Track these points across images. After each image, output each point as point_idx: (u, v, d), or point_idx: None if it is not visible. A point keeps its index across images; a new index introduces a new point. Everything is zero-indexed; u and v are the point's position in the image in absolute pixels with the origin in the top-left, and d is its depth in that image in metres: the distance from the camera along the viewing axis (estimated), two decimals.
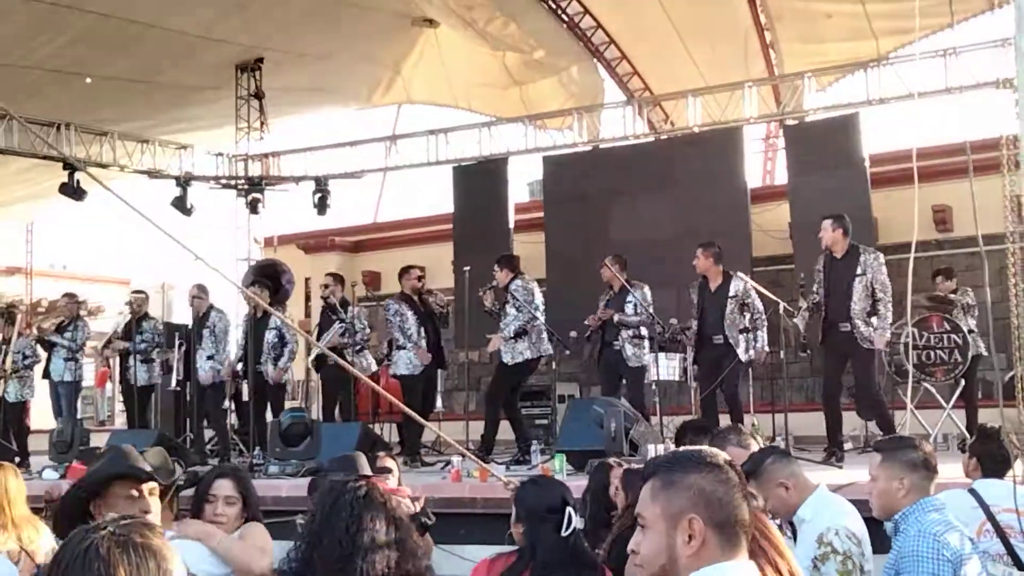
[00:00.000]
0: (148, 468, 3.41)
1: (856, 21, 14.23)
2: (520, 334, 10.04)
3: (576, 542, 3.88)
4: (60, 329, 12.87)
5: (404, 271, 11.20)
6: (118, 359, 12.99)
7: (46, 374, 12.87)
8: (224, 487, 4.33)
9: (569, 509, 3.87)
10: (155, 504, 3.36)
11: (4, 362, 12.80)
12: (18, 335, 12.97)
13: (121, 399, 13.64)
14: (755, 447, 4.76)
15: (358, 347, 11.45)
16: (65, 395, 12.68)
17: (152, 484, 3.32)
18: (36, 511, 4.85)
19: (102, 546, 2.03)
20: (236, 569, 4.12)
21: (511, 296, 10.07)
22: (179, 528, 4.14)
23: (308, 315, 16.78)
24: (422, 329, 10.74)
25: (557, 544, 3.83)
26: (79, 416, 13.15)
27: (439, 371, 11.54)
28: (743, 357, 9.51)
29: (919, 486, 3.95)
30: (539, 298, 10.33)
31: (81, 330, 12.93)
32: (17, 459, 11.21)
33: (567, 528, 3.82)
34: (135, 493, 3.26)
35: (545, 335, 10.26)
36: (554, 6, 16.72)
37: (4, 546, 4.33)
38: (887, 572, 3.85)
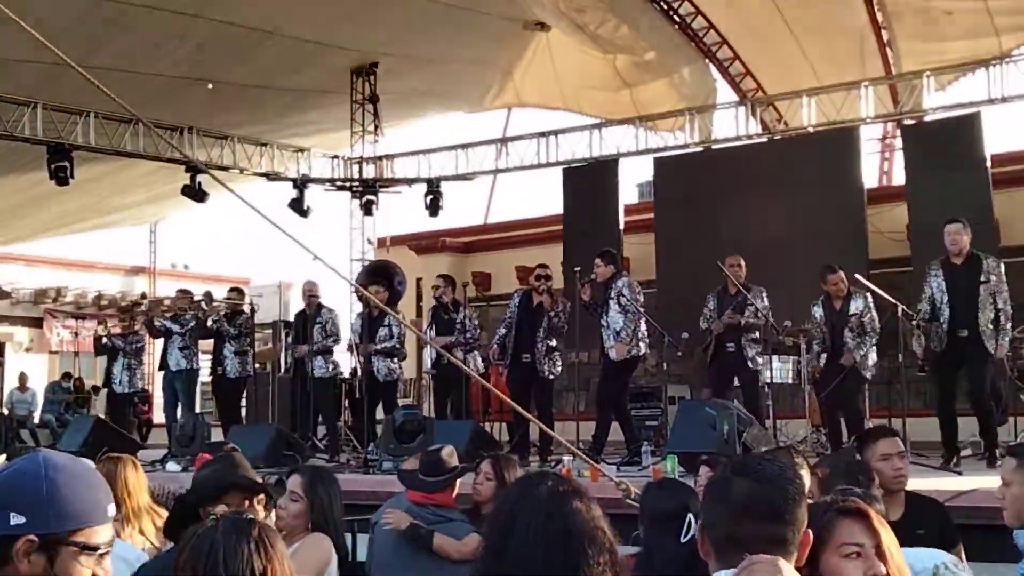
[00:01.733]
0: (259, 479, 3.49)
1: (977, 17, 13.87)
2: (622, 331, 10.00)
3: (695, 549, 3.80)
4: (175, 319, 12.95)
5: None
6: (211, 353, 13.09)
7: (163, 365, 13.03)
8: (293, 482, 4.32)
9: (689, 516, 3.70)
10: (260, 515, 3.40)
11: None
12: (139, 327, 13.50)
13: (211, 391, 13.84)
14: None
15: (468, 348, 11.54)
16: (183, 388, 12.80)
17: (261, 495, 3.39)
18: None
19: (254, 532, 2.16)
20: None
21: (617, 295, 10.02)
22: None
23: (419, 315, 17.02)
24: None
25: (675, 552, 3.74)
26: (199, 410, 13.47)
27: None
28: (866, 375, 9.51)
29: None
30: (641, 297, 10.28)
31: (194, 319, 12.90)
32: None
33: (686, 535, 3.67)
34: (245, 503, 3.32)
35: (646, 335, 10.19)
36: (666, 7, 16.67)
37: (128, 537, 4.46)
38: None
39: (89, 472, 2.09)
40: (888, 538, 2.40)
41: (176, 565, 2.23)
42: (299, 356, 11.99)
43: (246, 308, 12.75)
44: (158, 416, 15.25)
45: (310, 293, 12.13)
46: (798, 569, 2.27)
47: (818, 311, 9.78)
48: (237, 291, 13.34)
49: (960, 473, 8.14)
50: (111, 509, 2.05)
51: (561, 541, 2.38)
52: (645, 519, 3.93)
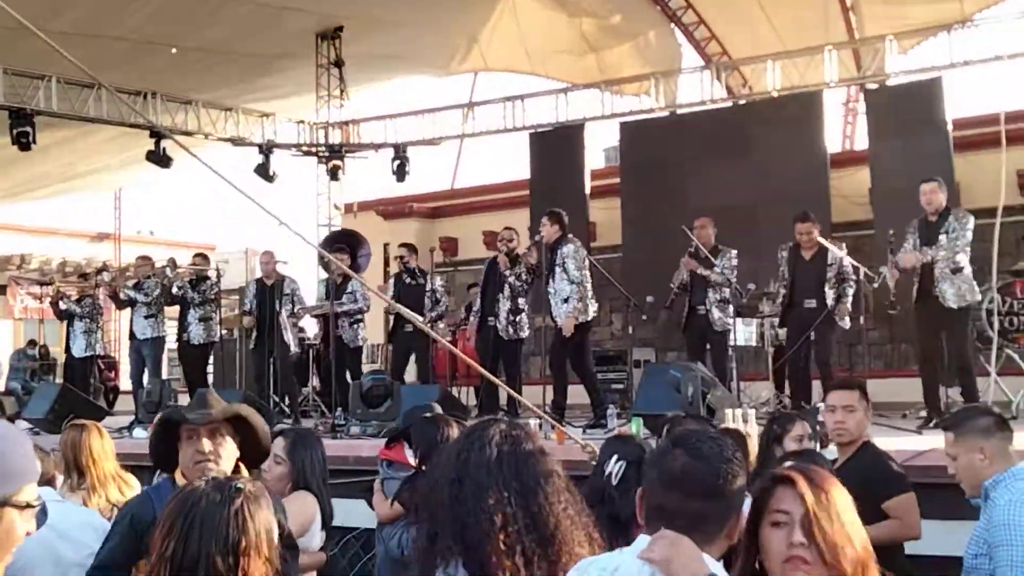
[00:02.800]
0: (195, 414, 3.46)
1: None
2: (569, 299, 9.97)
3: (609, 489, 3.86)
4: (137, 287, 12.73)
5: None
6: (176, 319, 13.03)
7: (131, 334, 12.86)
8: (276, 445, 4.36)
9: (615, 455, 3.90)
10: (225, 446, 3.38)
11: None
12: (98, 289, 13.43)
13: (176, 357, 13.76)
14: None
15: (436, 319, 11.54)
16: (149, 355, 12.69)
17: (215, 426, 3.37)
18: (128, 468, 5.00)
19: (235, 503, 2.24)
20: None
21: (562, 263, 9.92)
22: None
23: (386, 280, 17.01)
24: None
25: (597, 484, 3.87)
26: (166, 377, 13.41)
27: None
28: (843, 324, 9.49)
29: (1000, 449, 3.89)
30: (586, 264, 10.17)
31: (158, 287, 12.69)
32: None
33: (606, 474, 3.86)
34: (189, 435, 3.37)
35: (593, 297, 10.13)
36: None
37: (94, 504, 4.52)
38: (975, 542, 3.76)
39: (23, 435, 2.15)
40: (825, 506, 2.29)
41: (161, 520, 2.30)
42: (249, 326, 12.10)
43: (211, 274, 12.68)
44: (125, 383, 15.16)
45: (268, 263, 12.14)
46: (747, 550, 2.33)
47: (783, 254, 9.76)
48: (202, 256, 13.27)
49: (920, 432, 8.28)
50: (37, 466, 2.12)
51: (515, 479, 2.44)
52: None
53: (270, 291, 12.02)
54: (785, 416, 5.49)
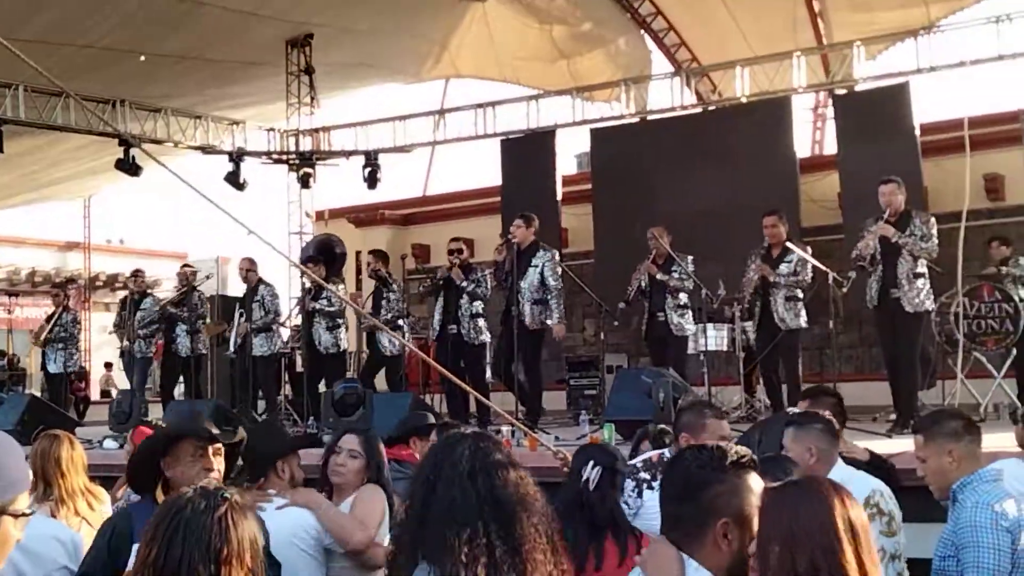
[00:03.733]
0: (215, 430, 3.60)
1: None
2: (541, 301, 10.14)
3: (586, 495, 3.87)
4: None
5: None
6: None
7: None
8: (350, 441, 4.59)
9: (591, 462, 3.92)
10: (219, 463, 3.55)
11: (40, 335, 13.10)
12: (64, 309, 13.31)
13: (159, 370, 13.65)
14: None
15: (392, 325, 11.54)
16: (139, 368, 12.75)
17: (217, 445, 3.51)
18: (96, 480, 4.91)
19: (219, 510, 2.24)
20: (335, 539, 4.26)
21: (540, 271, 10.09)
22: (291, 496, 4.29)
23: (359, 288, 16.97)
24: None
25: (572, 492, 3.89)
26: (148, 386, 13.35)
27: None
28: (794, 325, 9.49)
29: (969, 452, 3.93)
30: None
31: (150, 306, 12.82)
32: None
33: (582, 480, 3.87)
34: (200, 452, 3.45)
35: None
36: None
37: (62, 516, 4.38)
38: (943, 544, 3.79)
39: (14, 443, 2.14)
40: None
41: (147, 527, 2.30)
42: (242, 333, 12.06)
43: (202, 287, 12.78)
44: (96, 394, 15.03)
45: (247, 270, 12.11)
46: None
47: (754, 260, 9.70)
48: (188, 268, 13.25)
49: (890, 436, 8.34)
50: (30, 474, 2.14)
51: (487, 498, 2.48)
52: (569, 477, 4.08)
53: (247, 297, 12.08)
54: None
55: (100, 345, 22.56)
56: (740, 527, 2.36)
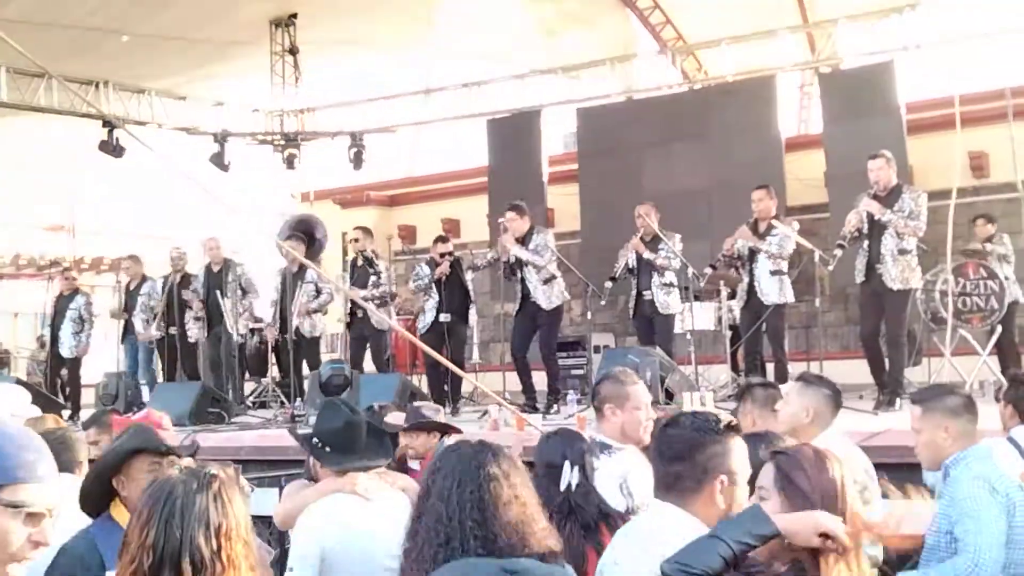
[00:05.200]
0: (166, 442, 3.46)
1: None
2: (550, 279, 10.16)
3: (574, 499, 3.72)
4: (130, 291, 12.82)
5: None
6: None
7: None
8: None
9: (566, 464, 3.75)
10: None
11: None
12: (76, 291, 13.21)
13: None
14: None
15: (381, 302, 11.54)
16: (144, 351, 12.76)
17: (172, 457, 3.35)
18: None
19: (213, 487, 2.27)
20: None
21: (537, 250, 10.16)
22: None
23: (345, 269, 16.92)
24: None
25: (558, 499, 3.68)
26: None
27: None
28: (778, 299, 9.49)
29: (965, 431, 3.96)
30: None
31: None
32: (68, 413, 11.44)
33: (563, 484, 3.71)
34: (154, 467, 3.29)
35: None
36: None
37: None
38: (942, 519, 3.81)
39: (22, 433, 2.09)
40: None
41: (137, 512, 2.31)
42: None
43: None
44: (87, 376, 14.86)
45: (213, 248, 12.11)
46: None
47: (743, 231, 9.70)
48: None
49: (876, 413, 8.39)
50: (43, 470, 2.03)
51: (472, 505, 2.55)
52: (536, 470, 3.89)
53: (216, 277, 12.00)
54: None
55: None
56: (732, 484, 2.69)
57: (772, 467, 2.57)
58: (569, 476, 3.75)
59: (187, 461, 3.17)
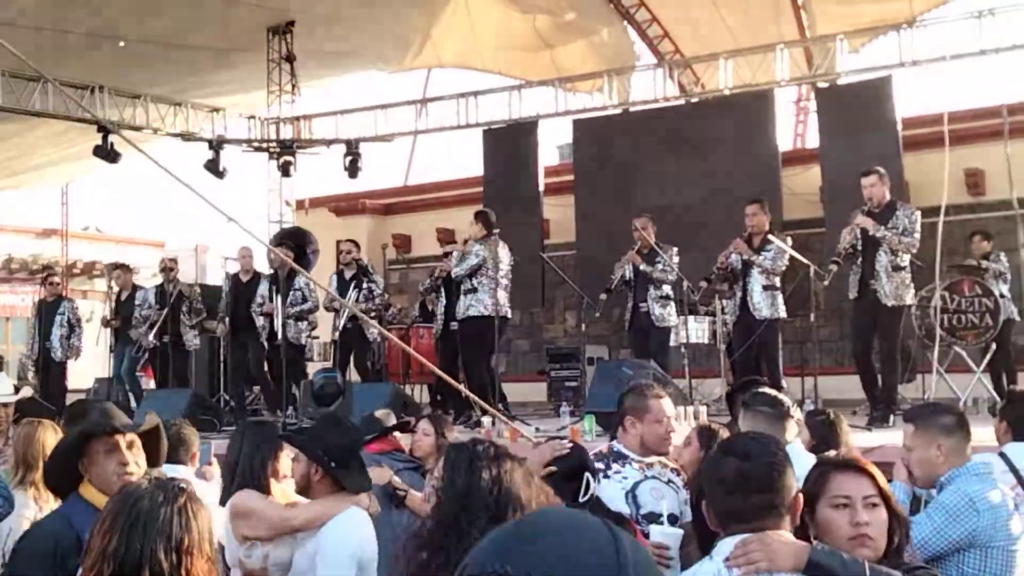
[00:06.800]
0: (118, 423, 3.47)
1: None
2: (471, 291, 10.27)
3: (593, 508, 3.73)
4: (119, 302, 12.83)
5: None
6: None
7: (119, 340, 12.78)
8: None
9: (587, 475, 3.80)
10: (135, 456, 3.39)
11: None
12: (44, 299, 13.18)
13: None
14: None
15: (376, 315, 11.51)
16: (129, 360, 12.67)
17: (131, 437, 3.37)
18: None
19: (179, 501, 2.24)
20: None
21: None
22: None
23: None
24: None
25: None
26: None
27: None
28: (771, 314, 9.47)
29: (957, 449, 3.94)
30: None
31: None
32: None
33: (584, 494, 3.74)
34: (110, 448, 3.31)
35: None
36: None
37: (45, 503, 4.34)
38: (918, 526, 3.77)
39: None
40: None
41: (101, 519, 2.31)
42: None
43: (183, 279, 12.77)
44: (78, 382, 14.77)
45: (247, 256, 12.39)
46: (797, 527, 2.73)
47: (739, 243, 9.66)
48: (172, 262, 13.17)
49: (870, 429, 8.36)
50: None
51: (467, 502, 2.68)
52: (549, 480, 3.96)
53: (246, 287, 12.04)
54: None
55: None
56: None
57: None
58: (592, 487, 3.81)
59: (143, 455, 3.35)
